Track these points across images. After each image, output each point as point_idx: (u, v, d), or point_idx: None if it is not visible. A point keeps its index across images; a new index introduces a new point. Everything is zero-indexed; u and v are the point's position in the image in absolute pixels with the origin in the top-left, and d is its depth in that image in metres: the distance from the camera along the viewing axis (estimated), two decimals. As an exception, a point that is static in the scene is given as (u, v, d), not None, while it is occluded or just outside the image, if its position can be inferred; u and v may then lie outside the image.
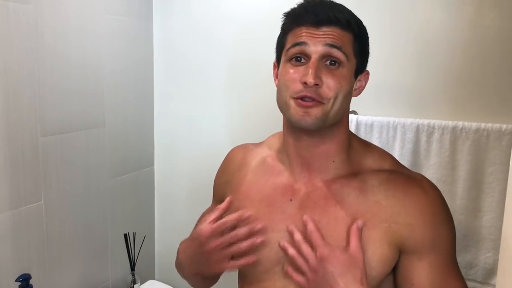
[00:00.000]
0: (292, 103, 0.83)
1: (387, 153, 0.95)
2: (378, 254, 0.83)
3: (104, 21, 1.71)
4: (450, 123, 1.41)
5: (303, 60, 0.83)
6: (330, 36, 0.81)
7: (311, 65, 0.81)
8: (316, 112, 0.81)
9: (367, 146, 0.95)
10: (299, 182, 0.91)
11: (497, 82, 1.39)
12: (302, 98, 0.82)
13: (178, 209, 2.05)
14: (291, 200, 0.90)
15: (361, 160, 0.90)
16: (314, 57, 0.81)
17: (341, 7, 0.85)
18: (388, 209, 0.84)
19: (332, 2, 0.86)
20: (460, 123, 1.40)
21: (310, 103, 0.81)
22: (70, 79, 1.59)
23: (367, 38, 0.90)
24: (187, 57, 1.92)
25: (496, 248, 1.39)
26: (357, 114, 1.58)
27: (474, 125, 1.39)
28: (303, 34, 0.82)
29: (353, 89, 0.88)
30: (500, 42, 1.37)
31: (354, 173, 0.89)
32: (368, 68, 1.61)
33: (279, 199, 0.91)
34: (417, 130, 1.46)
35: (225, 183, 1.04)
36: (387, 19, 1.51)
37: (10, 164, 1.40)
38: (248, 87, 1.76)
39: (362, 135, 1.54)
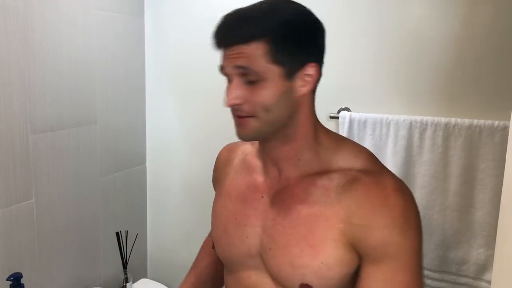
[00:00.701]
0: (233, 117, 0.85)
1: (363, 151, 0.91)
2: (334, 255, 0.81)
3: (95, 17, 1.69)
4: (443, 120, 1.42)
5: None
6: (238, 56, 0.78)
7: (228, 87, 0.82)
8: (251, 125, 0.82)
9: (340, 143, 0.91)
10: (271, 179, 0.92)
11: (489, 79, 1.40)
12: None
13: (170, 207, 2.04)
14: (262, 197, 0.91)
15: (331, 158, 0.87)
16: (231, 78, 0.81)
17: (250, 17, 0.80)
18: (346, 209, 0.81)
19: (243, 14, 0.81)
20: (453, 120, 1.41)
21: (244, 119, 0.82)
22: (60, 76, 1.57)
23: (299, 32, 0.81)
24: (178, 54, 1.91)
25: (488, 244, 1.40)
26: (350, 111, 1.58)
27: (466, 121, 1.39)
28: (223, 56, 0.82)
29: (299, 87, 0.82)
30: (493, 39, 1.38)
31: (323, 172, 0.86)
32: (361, 65, 1.61)
33: (252, 196, 0.93)
34: (410, 126, 1.47)
35: (215, 179, 1.08)
36: (380, 16, 1.51)
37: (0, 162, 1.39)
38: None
39: (355, 132, 1.55)
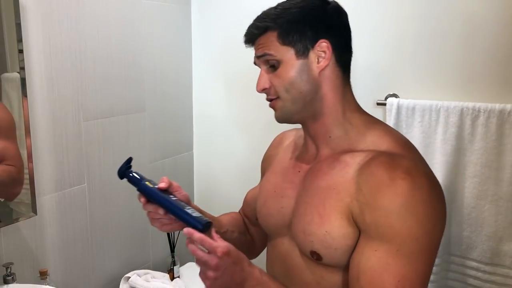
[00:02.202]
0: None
1: (391, 133, 0.95)
2: (337, 226, 0.87)
3: (143, 6, 1.73)
4: (497, 106, 1.35)
5: None
6: (258, 48, 0.94)
7: (259, 75, 0.96)
8: (278, 105, 0.94)
9: (370, 124, 0.96)
10: (309, 156, 1.01)
11: (549, 62, 1.32)
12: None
13: (217, 193, 2.07)
14: (299, 171, 1.01)
15: (360, 138, 0.93)
16: (260, 68, 0.96)
17: (264, 14, 0.95)
18: (356, 185, 0.86)
19: (262, 13, 0.95)
20: (508, 106, 1.34)
21: (273, 101, 0.96)
22: (110, 65, 1.62)
23: (303, 16, 0.92)
24: (225, 42, 1.91)
25: (545, 236, 1.33)
26: (398, 97, 1.54)
27: (523, 108, 1.32)
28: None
29: (315, 62, 0.91)
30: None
31: (350, 150, 0.92)
32: (410, 49, 1.55)
33: (291, 171, 1.03)
34: (461, 113, 1.41)
35: (265, 160, 1.19)
36: (430, -2, 1.46)
37: (54, 148, 1.45)
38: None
39: (404, 119, 1.50)
